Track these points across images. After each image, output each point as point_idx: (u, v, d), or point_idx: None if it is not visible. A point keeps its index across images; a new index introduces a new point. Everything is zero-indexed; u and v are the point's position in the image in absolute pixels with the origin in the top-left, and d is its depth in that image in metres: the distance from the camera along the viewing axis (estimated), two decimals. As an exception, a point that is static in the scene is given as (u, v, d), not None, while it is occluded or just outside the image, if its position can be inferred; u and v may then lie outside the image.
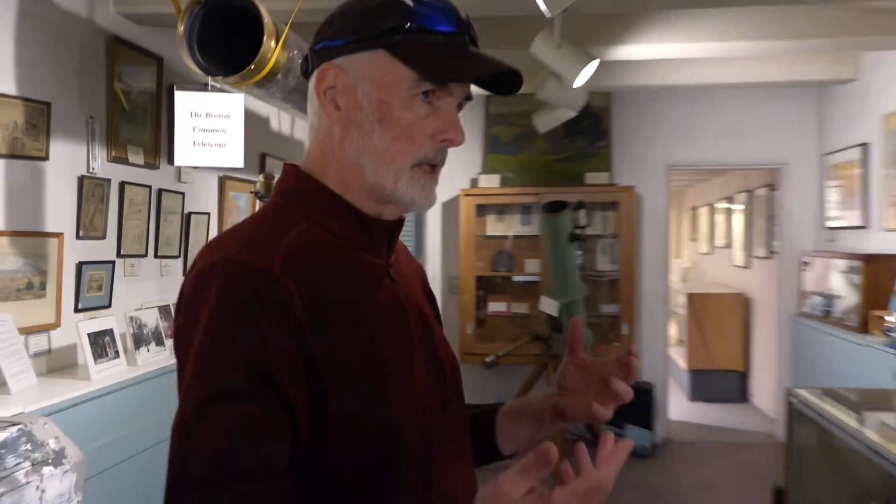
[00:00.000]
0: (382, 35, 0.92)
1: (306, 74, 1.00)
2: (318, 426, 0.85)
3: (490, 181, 5.64)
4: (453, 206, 5.72)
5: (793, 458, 2.46)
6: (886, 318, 3.33)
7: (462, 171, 5.79)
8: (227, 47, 2.60)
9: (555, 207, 4.56)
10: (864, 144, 4.40)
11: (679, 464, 5.03)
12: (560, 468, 0.77)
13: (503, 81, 0.96)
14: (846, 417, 2.25)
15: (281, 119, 5.06)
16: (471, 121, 5.73)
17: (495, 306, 5.69)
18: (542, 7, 1.93)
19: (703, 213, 9.47)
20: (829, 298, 4.37)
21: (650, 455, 5.10)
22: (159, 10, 3.14)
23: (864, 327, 3.74)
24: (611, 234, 5.58)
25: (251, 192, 3.23)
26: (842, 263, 4.28)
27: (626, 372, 1.03)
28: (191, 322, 0.85)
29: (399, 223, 1.02)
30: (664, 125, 5.54)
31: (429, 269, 5.96)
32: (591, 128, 5.60)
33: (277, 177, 1.04)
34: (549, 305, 4.83)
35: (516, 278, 5.67)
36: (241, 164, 2.68)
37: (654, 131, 5.56)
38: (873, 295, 3.77)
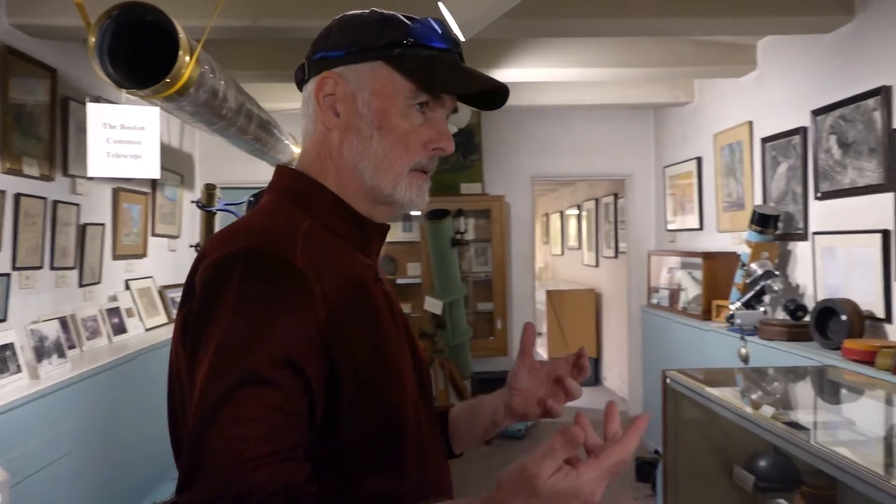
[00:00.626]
0: (381, 48, 0.93)
1: (301, 83, 0.99)
2: (331, 412, 0.84)
3: (373, 191, 5.61)
4: (339, 215, 5.63)
5: (669, 432, 2.61)
6: (730, 305, 3.61)
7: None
8: (134, 61, 2.44)
9: (437, 215, 4.62)
10: (698, 158, 4.75)
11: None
12: (588, 442, 0.77)
13: (489, 97, 0.98)
14: (715, 392, 2.42)
15: (170, 131, 4.81)
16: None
17: (380, 308, 5.66)
18: (456, 31, 1.95)
19: (555, 219, 9.88)
20: (674, 291, 4.68)
21: (523, 437, 5.26)
22: (54, 23, 2.92)
23: (707, 315, 4.04)
24: (484, 238, 5.72)
25: (192, 202, 3.04)
26: (684, 260, 4.60)
27: (577, 371, 1.05)
28: (211, 309, 0.81)
29: (387, 227, 1.03)
30: (529, 141, 5.74)
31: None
32: (465, 143, 5.70)
33: (271, 178, 1.01)
34: (433, 305, 4.88)
35: (400, 281, 5.68)
36: (157, 175, 2.53)
37: (519, 146, 5.75)
38: (713, 287, 4.09)
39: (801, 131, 3.45)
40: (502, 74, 4.00)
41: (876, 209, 2.91)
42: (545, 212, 10.57)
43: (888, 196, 2.83)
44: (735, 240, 4.20)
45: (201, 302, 0.83)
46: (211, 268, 0.84)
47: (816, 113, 3.31)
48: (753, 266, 3.56)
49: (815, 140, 3.33)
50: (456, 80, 0.95)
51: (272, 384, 0.78)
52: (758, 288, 3.50)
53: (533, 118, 5.65)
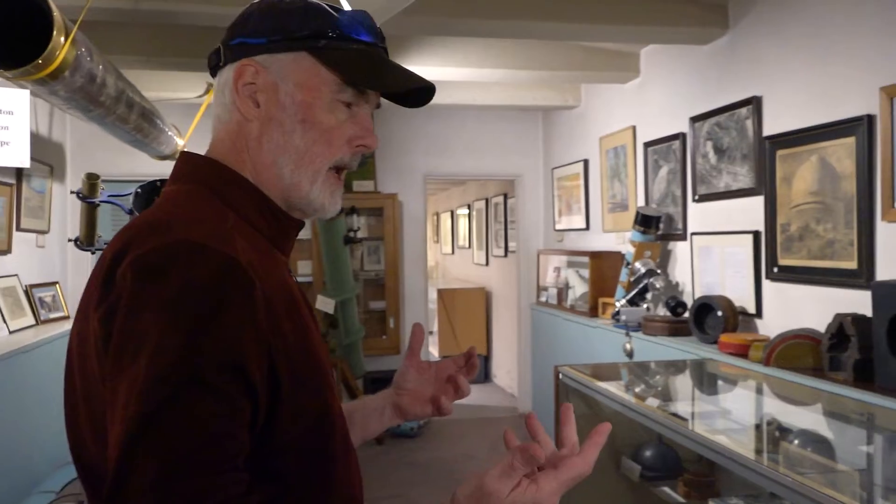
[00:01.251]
0: (306, 38, 0.88)
1: (214, 69, 0.94)
2: (269, 417, 0.78)
3: (261, 188, 5.45)
4: (225, 211, 5.44)
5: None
6: (615, 303, 3.76)
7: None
8: (3, 40, 2.24)
9: (330, 213, 4.55)
10: (584, 160, 4.92)
11: (441, 440, 5.24)
12: (549, 454, 0.78)
13: (414, 95, 0.95)
14: (604, 385, 2.51)
15: (38, 118, 4.46)
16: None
17: (269, 307, 5.51)
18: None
19: (445, 218, 9.97)
20: (561, 289, 4.82)
21: (416, 435, 5.26)
22: None
23: (593, 312, 4.20)
24: (377, 237, 5.68)
25: (73, 192, 2.81)
26: (571, 259, 4.75)
27: (467, 369, 1.08)
28: (144, 307, 0.73)
29: (302, 223, 0.98)
30: (422, 140, 5.75)
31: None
32: (356, 140, 5.64)
33: (176, 163, 0.94)
34: (325, 304, 4.80)
35: (289, 280, 5.54)
36: (27, 163, 2.33)
37: (413, 145, 5.75)
38: (599, 285, 4.24)
39: (681, 137, 3.64)
40: (397, 72, 3.98)
41: (748, 211, 3.12)
42: (436, 211, 10.65)
43: (759, 199, 3.03)
44: (619, 239, 4.38)
45: (132, 298, 0.74)
46: (142, 261, 0.75)
47: (694, 120, 3.50)
48: (637, 265, 3.72)
49: (694, 145, 3.52)
50: (384, 77, 0.92)
51: (215, 390, 0.72)
52: (641, 286, 3.67)
53: (426, 117, 5.67)
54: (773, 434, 2.14)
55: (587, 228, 4.93)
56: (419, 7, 2.73)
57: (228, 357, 0.73)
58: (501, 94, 5.01)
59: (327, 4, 0.92)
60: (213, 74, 0.94)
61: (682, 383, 2.92)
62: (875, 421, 2.07)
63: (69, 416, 0.84)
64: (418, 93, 0.94)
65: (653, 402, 2.57)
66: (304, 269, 5.49)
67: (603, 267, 4.30)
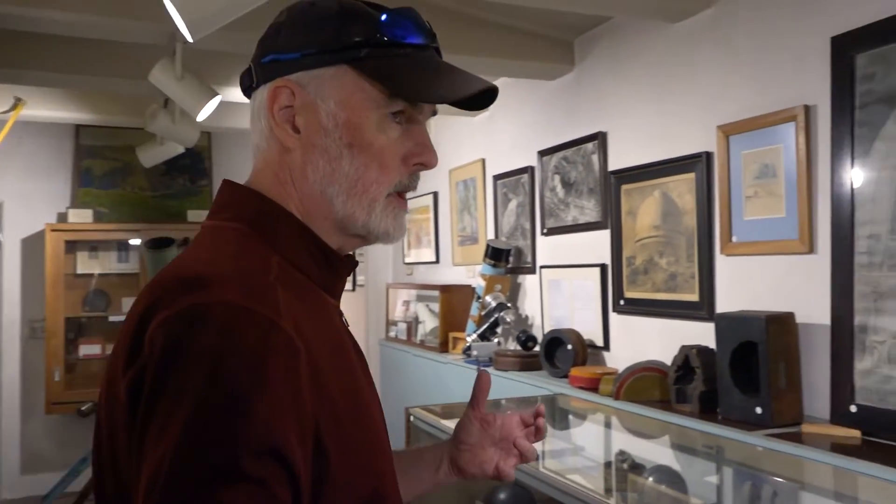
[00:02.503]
0: (346, 49, 0.78)
1: (248, 90, 0.83)
2: (315, 495, 0.68)
3: (81, 216, 4.93)
4: (37, 241, 4.86)
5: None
6: (466, 337, 3.68)
7: (47, 205, 4.97)
8: None
9: (160, 244, 4.17)
10: (434, 193, 4.87)
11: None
12: None
13: (474, 97, 0.82)
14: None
15: None
16: (56, 151, 4.97)
17: (88, 349, 4.97)
18: (184, 30, 1.70)
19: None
20: (410, 323, 4.71)
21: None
22: None
23: (444, 347, 4.10)
24: (214, 270, 5.31)
25: None
26: (421, 293, 4.65)
27: (533, 431, 1.00)
28: (173, 379, 0.63)
29: (356, 262, 0.88)
30: (264, 167, 5.47)
31: (4, 312, 4.96)
32: (193, 166, 5.28)
33: (221, 196, 0.84)
34: (153, 345, 4.36)
35: (113, 318, 5.02)
36: None
37: (255, 173, 5.45)
38: (450, 319, 4.16)
39: (529, 170, 3.66)
40: (230, 93, 3.73)
41: (595, 245, 3.16)
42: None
43: (605, 233, 3.08)
44: (470, 273, 4.34)
45: (159, 368, 0.64)
46: (173, 322, 0.66)
47: (542, 153, 3.54)
48: (488, 298, 3.68)
49: (542, 179, 3.55)
50: (437, 86, 0.80)
51: (250, 479, 0.62)
52: (492, 320, 3.62)
53: (270, 144, 5.40)
54: (625, 470, 2.11)
55: (437, 262, 4.86)
56: (255, 23, 2.54)
57: (267, 442, 0.63)
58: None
59: (367, 3, 0.81)
60: (248, 96, 0.84)
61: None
62: (724, 454, 2.09)
63: (97, 486, 0.76)
64: (479, 95, 0.82)
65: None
66: (129, 307, 5.00)
67: (453, 301, 4.23)
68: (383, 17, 0.79)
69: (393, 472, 0.81)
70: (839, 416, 1.99)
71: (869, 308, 1.94)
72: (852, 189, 1.99)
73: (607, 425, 2.56)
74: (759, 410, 2.08)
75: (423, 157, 0.83)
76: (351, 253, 0.88)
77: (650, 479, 2.00)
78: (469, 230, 4.37)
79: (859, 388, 1.95)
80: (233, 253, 0.75)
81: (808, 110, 2.15)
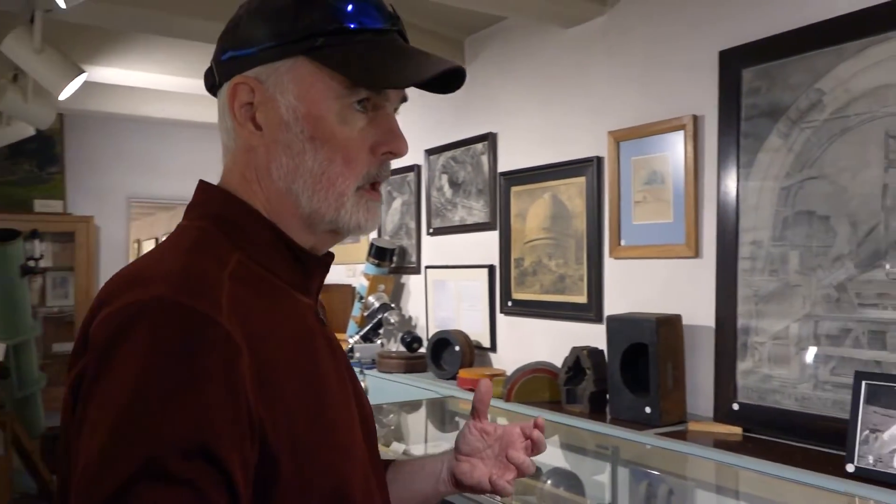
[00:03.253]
0: (301, 39, 0.76)
1: (212, 90, 0.83)
2: (263, 497, 0.67)
3: None
4: None
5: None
6: (348, 339, 3.58)
7: None
8: None
9: (4, 237, 3.75)
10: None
11: None
12: None
13: (441, 79, 0.79)
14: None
15: None
16: None
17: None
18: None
19: (149, 246, 9.06)
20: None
21: None
22: None
23: (323, 349, 3.96)
24: (65, 266, 4.86)
25: None
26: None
27: (532, 444, 0.97)
28: (107, 374, 0.64)
29: (331, 258, 0.86)
30: (126, 156, 5.09)
31: None
32: (41, 151, 4.81)
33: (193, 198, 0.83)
34: (-7, 348, 3.92)
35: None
36: None
37: (115, 161, 5.06)
38: (330, 320, 3.98)
39: (416, 169, 3.61)
40: (97, 73, 3.42)
41: (483, 245, 3.16)
42: (137, 238, 9.63)
43: (494, 234, 3.09)
44: (350, 272, 4.23)
45: (98, 361, 0.65)
46: (111, 319, 0.66)
47: (430, 152, 3.50)
48: (371, 299, 3.59)
49: (429, 178, 3.51)
50: (399, 70, 0.77)
51: (178, 481, 0.61)
52: (375, 321, 3.54)
53: (133, 130, 5.03)
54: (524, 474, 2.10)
55: (314, 260, 4.71)
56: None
57: (196, 441, 0.62)
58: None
59: None
60: (213, 95, 0.83)
61: (424, 423, 2.82)
62: (618, 453, 2.13)
63: (58, 480, 0.74)
64: (447, 77, 0.80)
65: (397, 446, 2.42)
66: (-36, 306, 4.47)
67: (334, 301, 4.10)
68: (340, 3, 0.77)
69: (362, 473, 0.79)
70: (722, 414, 2.09)
71: (751, 311, 2.04)
72: (737, 197, 2.09)
73: (498, 427, 2.55)
74: (648, 410, 2.13)
75: (391, 145, 0.80)
76: (329, 256, 0.87)
77: (548, 482, 2.00)
78: (350, 228, 4.25)
79: (741, 387, 2.06)
80: (187, 250, 0.74)
81: (696, 120, 2.25)
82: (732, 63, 2.12)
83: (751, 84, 2.08)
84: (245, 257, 0.76)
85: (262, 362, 0.68)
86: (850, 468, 1.62)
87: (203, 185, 0.83)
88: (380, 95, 0.79)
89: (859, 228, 1.82)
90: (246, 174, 0.80)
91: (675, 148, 2.31)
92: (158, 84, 3.70)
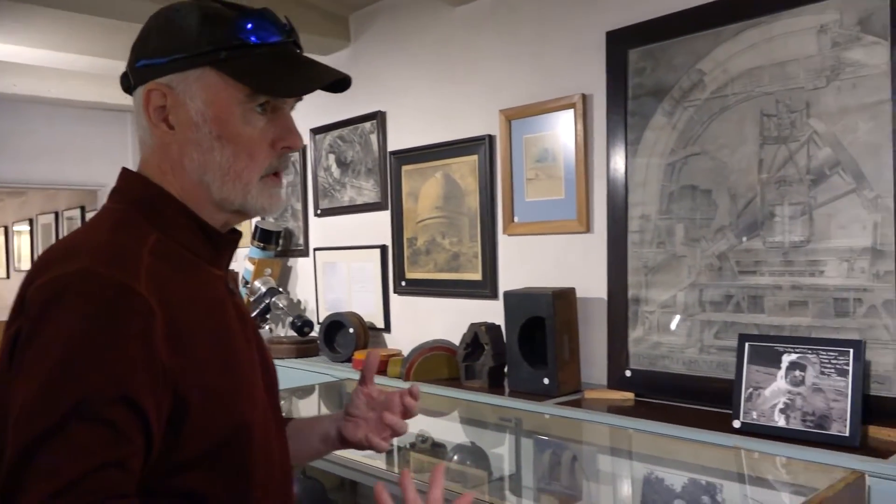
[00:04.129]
0: (208, 52, 0.87)
1: (129, 90, 0.94)
2: (173, 439, 0.80)
3: None
4: None
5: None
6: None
7: None
8: None
9: None
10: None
11: None
12: None
13: (330, 85, 0.95)
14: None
15: None
16: None
17: None
18: None
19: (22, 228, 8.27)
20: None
21: None
22: None
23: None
24: None
25: None
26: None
27: (404, 409, 1.09)
28: (40, 334, 0.75)
29: (239, 235, 0.99)
30: (-30, 135, 4.61)
31: None
32: None
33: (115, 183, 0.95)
34: None
35: None
36: None
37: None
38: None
39: (301, 149, 3.51)
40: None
41: (375, 226, 3.12)
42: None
43: (385, 214, 3.06)
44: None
45: (32, 323, 0.77)
46: (44, 288, 0.78)
47: (315, 132, 3.41)
48: (257, 283, 3.47)
49: (315, 158, 3.43)
50: (294, 80, 0.89)
51: (103, 421, 0.74)
52: (262, 306, 3.42)
53: (-24, 108, 4.56)
54: (427, 451, 2.11)
55: (191, 245, 4.49)
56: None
57: (118, 390, 0.75)
58: (86, 88, 4.27)
59: (226, 4, 0.90)
60: (130, 95, 0.93)
61: (320, 408, 2.77)
62: (521, 425, 2.18)
63: None
64: (336, 81, 0.94)
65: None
66: None
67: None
68: (240, 20, 0.88)
69: (262, 419, 0.91)
70: (615, 381, 2.19)
71: (641, 282, 2.15)
72: (626, 173, 2.18)
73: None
74: (546, 381, 2.20)
75: (288, 140, 0.92)
76: (236, 228, 1.00)
77: (455, 457, 2.02)
78: (230, 211, 4.08)
79: (633, 355, 2.16)
80: (110, 228, 0.86)
81: (585, 99, 2.32)
82: (619, 43, 2.20)
83: (637, 64, 2.17)
84: (163, 236, 0.88)
85: (174, 322, 0.80)
86: (736, 424, 1.74)
87: (125, 173, 0.94)
88: (277, 99, 0.91)
89: (738, 201, 1.95)
90: (162, 166, 0.91)
91: (566, 126, 2.37)
92: (8, 55, 3.37)
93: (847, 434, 1.58)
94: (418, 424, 2.45)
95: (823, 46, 1.79)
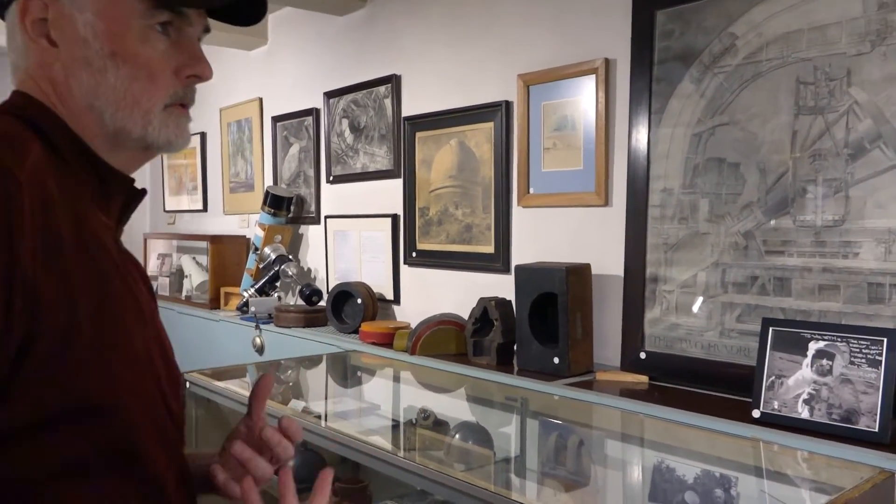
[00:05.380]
0: None
1: (2, 8, 0.78)
2: (12, 386, 0.64)
3: None
4: None
5: (197, 445, 2.25)
6: (243, 293, 3.37)
7: None
8: None
9: None
10: (202, 133, 4.40)
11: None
12: None
13: (244, 10, 0.84)
14: (239, 390, 2.15)
15: None
16: None
17: None
18: None
19: None
20: (175, 278, 4.26)
21: None
22: None
23: (215, 303, 3.75)
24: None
25: None
26: (186, 244, 4.22)
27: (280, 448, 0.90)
28: None
29: (141, 194, 0.86)
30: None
31: None
32: None
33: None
34: None
35: None
36: None
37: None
38: (221, 273, 3.81)
39: (314, 112, 3.41)
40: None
41: (386, 194, 3.02)
42: None
43: (398, 182, 2.96)
44: (243, 223, 4.01)
45: None
46: None
47: (329, 95, 3.30)
48: (267, 250, 3.40)
49: (328, 123, 3.32)
50: None
51: None
52: (272, 273, 3.36)
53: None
54: (430, 428, 2.03)
55: (205, 210, 4.43)
56: None
57: None
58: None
59: None
60: (2, 16, 0.80)
61: (326, 379, 2.70)
62: (527, 405, 2.09)
63: None
64: (248, 7, 0.84)
65: (298, 403, 2.30)
66: None
67: (225, 253, 3.88)
68: None
69: (151, 392, 0.76)
70: (629, 362, 2.08)
71: (660, 259, 2.03)
72: (648, 144, 2.05)
73: (405, 382, 2.47)
74: (556, 360, 2.10)
75: (195, 68, 0.81)
76: (132, 178, 0.85)
77: (456, 435, 1.94)
78: (243, 176, 4.01)
79: (648, 336, 2.05)
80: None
81: (608, 64, 2.18)
82: (646, 5, 2.06)
83: (664, 27, 2.03)
84: (48, 154, 0.74)
85: (53, 235, 0.67)
86: (755, 414, 1.63)
87: (13, 94, 0.81)
88: (182, 19, 0.79)
89: (768, 176, 1.81)
90: (44, 88, 0.77)
91: (587, 93, 2.24)
92: None
93: (877, 430, 1.46)
94: (421, 400, 2.37)
95: (869, 7, 1.64)
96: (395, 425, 2.15)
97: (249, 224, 3.91)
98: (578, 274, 2.13)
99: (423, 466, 1.54)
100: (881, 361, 1.49)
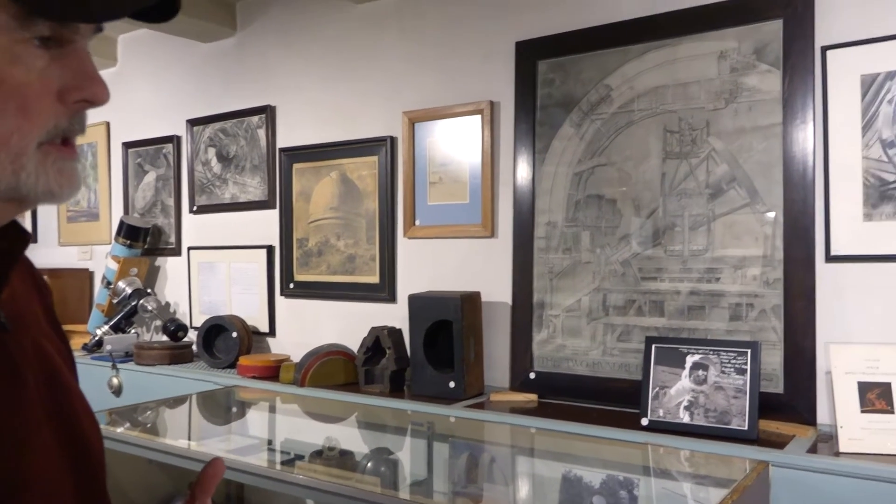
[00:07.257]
0: None
1: None
2: None
3: None
4: None
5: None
6: (97, 330, 3.16)
7: None
8: None
9: None
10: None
11: None
12: None
13: (154, 8, 0.64)
14: (139, 435, 2.06)
15: None
16: None
17: None
18: None
19: None
20: None
21: None
22: None
23: (56, 343, 3.47)
24: None
25: None
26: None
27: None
28: None
29: (21, 244, 0.66)
30: None
31: None
32: None
33: None
34: None
35: None
36: None
37: None
38: (61, 310, 3.53)
39: (175, 140, 3.32)
40: None
41: (261, 225, 3.01)
42: None
43: (273, 213, 2.96)
44: (84, 254, 3.76)
45: None
46: None
47: (193, 123, 3.23)
48: (121, 284, 3.23)
49: (192, 151, 3.25)
50: None
51: None
52: (128, 308, 3.19)
53: None
54: (338, 459, 2.07)
55: (35, 242, 4.08)
56: None
57: None
58: None
59: None
60: None
61: (215, 417, 2.62)
62: (430, 429, 2.19)
63: None
64: (160, 4, 0.64)
65: (182, 443, 2.22)
66: None
67: (65, 287, 3.62)
68: None
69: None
70: (519, 383, 2.25)
71: (546, 286, 2.23)
72: (533, 181, 2.26)
73: (300, 415, 2.46)
74: (452, 384, 2.23)
75: (86, 91, 0.61)
76: (17, 222, 0.66)
77: (368, 464, 1.99)
78: (84, 204, 3.77)
79: (537, 357, 2.24)
80: None
81: (493, 106, 2.38)
82: (529, 54, 2.28)
83: (545, 76, 2.26)
84: None
85: None
86: (644, 422, 1.85)
87: None
88: (67, 27, 0.59)
89: (642, 211, 2.08)
90: None
91: (472, 131, 2.41)
92: None
93: (746, 428, 1.73)
94: (322, 433, 2.39)
95: (723, 71, 1.96)
96: (305, 460, 2.16)
97: (93, 256, 3.68)
98: (471, 302, 2.28)
99: (352, 488, 1.58)
100: (747, 370, 1.77)
